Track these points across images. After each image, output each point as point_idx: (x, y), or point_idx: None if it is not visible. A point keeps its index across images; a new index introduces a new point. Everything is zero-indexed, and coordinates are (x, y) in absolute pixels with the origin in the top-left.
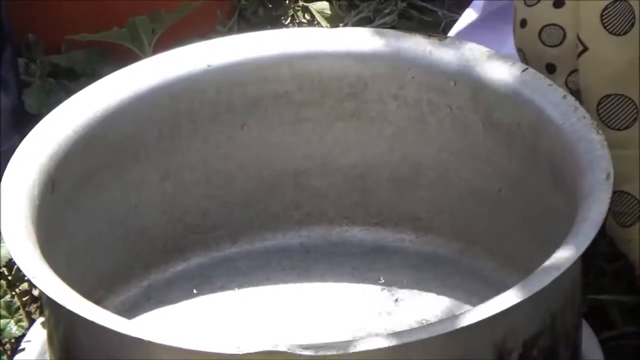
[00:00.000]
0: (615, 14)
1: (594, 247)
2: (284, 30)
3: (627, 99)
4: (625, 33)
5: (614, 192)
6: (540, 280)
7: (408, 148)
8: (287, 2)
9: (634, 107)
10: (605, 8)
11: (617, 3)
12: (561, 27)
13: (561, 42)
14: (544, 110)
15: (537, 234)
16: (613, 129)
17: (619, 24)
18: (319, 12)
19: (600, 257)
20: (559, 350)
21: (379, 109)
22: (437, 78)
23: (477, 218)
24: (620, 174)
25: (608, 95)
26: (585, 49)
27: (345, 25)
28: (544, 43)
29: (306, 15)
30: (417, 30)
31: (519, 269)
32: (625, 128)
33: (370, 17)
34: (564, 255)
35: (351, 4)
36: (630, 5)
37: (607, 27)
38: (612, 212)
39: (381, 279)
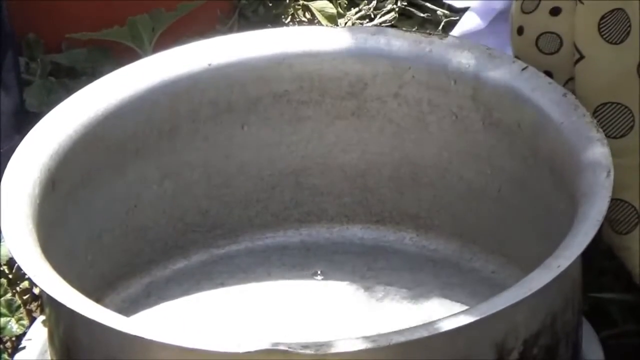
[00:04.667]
0: (612, 23)
1: (594, 246)
2: (284, 29)
3: (623, 107)
4: (621, 42)
5: (611, 200)
6: (540, 278)
7: (408, 147)
8: (288, 0)
9: (630, 115)
10: (603, 17)
11: (615, 12)
12: (558, 35)
13: (558, 50)
14: (544, 108)
15: (537, 233)
16: (609, 137)
17: (616, 32)
18: (319, 11)
19: (600, 255)
20: (560, 349)
21: (379, 108)
22: (437, 77)
23: (478, 217)
24: (617, 182)
25: (604, 104)
26: (582, 57)
27: (345, 23)
28: (540, 50)
29: (306, 13)
30: (417, 29)
31: (519, 267)
32: (622, 136)
33: (371, 16)
34: (564, 253)
35: (351, 2)
36: (627, 14)
37: (604, 36)
38: (608, 219)
39: (381, 277)
